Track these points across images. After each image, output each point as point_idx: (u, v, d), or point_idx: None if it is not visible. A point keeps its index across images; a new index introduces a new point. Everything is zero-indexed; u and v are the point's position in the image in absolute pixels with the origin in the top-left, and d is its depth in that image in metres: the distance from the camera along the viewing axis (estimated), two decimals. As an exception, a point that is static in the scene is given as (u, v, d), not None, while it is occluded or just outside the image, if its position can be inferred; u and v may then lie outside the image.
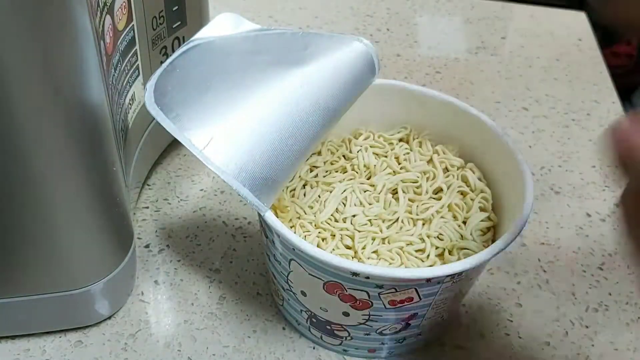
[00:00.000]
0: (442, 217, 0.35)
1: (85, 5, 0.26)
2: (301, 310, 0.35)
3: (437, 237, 0.34)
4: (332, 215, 0.35)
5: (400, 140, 0.40)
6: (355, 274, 0.30)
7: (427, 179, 0.37)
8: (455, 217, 0.36)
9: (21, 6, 0.24)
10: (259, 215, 0.32)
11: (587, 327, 0.39)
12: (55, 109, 0.27)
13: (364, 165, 0.38)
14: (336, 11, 0.68)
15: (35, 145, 0.27)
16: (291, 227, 0.35)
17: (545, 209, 0.47)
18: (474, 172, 0.38)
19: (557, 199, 0.48)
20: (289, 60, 0.33)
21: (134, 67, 0.38)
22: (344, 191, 0.36)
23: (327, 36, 0.34)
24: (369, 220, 0.35)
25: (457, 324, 0.39)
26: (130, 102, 0.38)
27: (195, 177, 0.47)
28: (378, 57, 0.35)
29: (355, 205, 0.36)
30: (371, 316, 0.33)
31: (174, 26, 0.41)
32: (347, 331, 0.34)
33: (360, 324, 0.33)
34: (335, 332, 0.35)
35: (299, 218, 0.35)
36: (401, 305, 0.32)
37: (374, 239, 0.34)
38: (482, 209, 0.36)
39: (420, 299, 0.31)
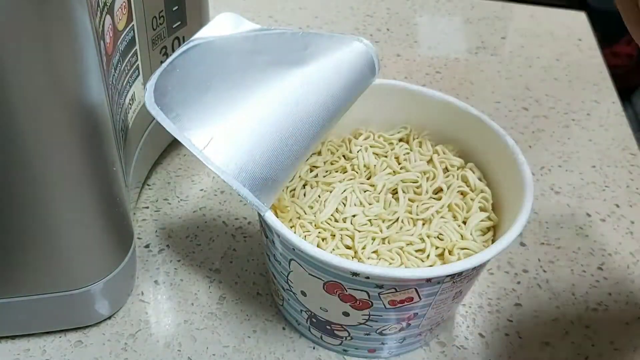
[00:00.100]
0: (442, 217, 0.35)
1: (85, 5, 0.26)
2: (301, 310, 0.35)
3: (437, 237, 0.34)
4: (332, 215, 0.35)
5: (400, 140, 0.40)
6: (355, 274, 0.30)
7: (427, 179, 0.37)
8: (455, 217, 0.36)
9: (21, 6, 0.24)
10: (259, 215, 0.32)
11: (587, 327, 0.39)
12: (55, 109, 0.27)
13: (364, 165, 0.38)
14: (336, 11, 0.68)
15: (35, 145, 0.27)
16: (291, 227, 0.35)
17: (545, 209, 0.47)
18: (474, 172, 0.38)
19: (557, 199, 0.48)
20: (289, 60, 0.33)
21: (134, 67, 0.38)
22: (344, 191, 0.36)
23: (327, 36, 0.34)
24: (369, 220, 0.35)
25: (457, 324, 0.39)
26: (130, 102, 0.38)
27: (195, 177, 0.47)
28: (378, 57, 0.35)
29: (355, 205, 0.36)
30: (371, 316, 0.33)
31: (174, 26, 0.41)
32: (347, 331, 0.34)
33: (361, 324, 0.33)
34: (335, 332, 0.35)
35: (299, 218, 0.35)
36: (401, 305, 0.32)
37: (374, 239, 0.34)
38: (482, 209, 0.36)
39: (421, 299, 0.31)
